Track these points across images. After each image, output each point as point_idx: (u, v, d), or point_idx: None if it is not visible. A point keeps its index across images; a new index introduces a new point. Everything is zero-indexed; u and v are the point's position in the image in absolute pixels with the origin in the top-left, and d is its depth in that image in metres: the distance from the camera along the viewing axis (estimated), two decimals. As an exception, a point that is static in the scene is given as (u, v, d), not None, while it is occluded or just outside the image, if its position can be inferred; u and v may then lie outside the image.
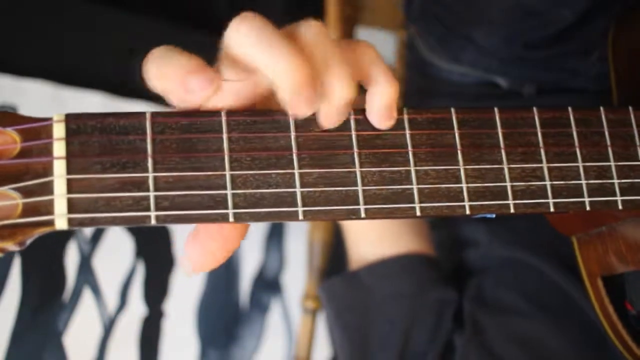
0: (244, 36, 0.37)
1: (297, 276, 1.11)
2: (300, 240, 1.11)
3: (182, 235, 1.04)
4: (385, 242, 0.71)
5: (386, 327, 0.67)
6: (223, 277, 1.08)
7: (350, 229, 0.74)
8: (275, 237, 1.14)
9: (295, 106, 0.37)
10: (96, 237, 0.96)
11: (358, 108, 0.42)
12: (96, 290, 0.94)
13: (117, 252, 0.98)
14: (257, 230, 1.13)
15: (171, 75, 0.37)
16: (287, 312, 1.13)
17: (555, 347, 0.62)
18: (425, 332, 0.66)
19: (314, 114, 0.39)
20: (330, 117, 0.39)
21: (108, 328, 0.95)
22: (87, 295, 0.93)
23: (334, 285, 0.73)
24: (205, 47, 0.44)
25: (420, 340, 0.66)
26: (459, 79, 0.80)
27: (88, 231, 0.94)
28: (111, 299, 0.96)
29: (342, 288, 0.72)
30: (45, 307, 0.88)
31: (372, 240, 0.72)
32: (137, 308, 0.99)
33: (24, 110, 0.88)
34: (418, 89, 0.87)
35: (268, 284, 1.13)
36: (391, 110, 0.40)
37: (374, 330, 0.68)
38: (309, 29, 0.39)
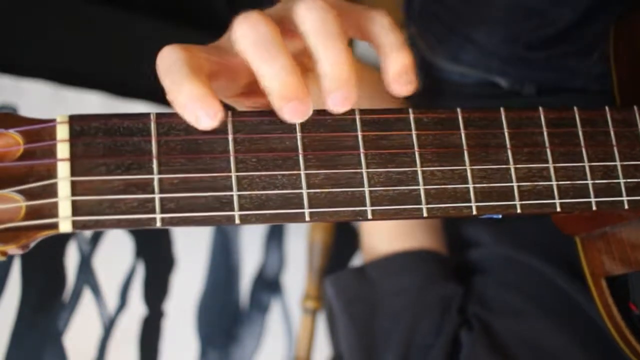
0: (242, 36, 0.38)
1: (297, 276, 1.10)
2: (300, 240, 1.10)
3: (182, 235, 1.04)
4: (399, 238, 0.71)
5: (391, 319, 0.67)
6: (223, 277, 1.08)
7: (366, 223, 0.74)
8: (275, 237, 1.14)
9: (283, 113, 0.38)
10: (96, 237, 0.95)
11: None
12: (96, 290, 0.94)
13: (117, 252, 0.98)
14: (257, 230, 1.13)
15: (180, 102, 0.37)
16: (287, 312, 1.13)
17: (560, 348, 0.62)
18: (431, 325, 0.66)
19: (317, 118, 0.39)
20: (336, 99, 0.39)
21: (108, 328, 0.94)
22: (87, 295, 0.93)
23: (341, 278, 0.73)
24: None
25: (426, 334, 0.66)
26: (459, 79, 0.80)
27: (88, 231, 0.93)
28: (111, 299, 0.96)
29: (350, 280, 0.72)
30: (45, 307, 0.88)
31: (386, 235, 0.72)
32: (137, 308, 0.98)
33: (24, 111, 0.88)
34: (418, 88, 0.87)
35: (268, 284, 1.12)
36: (406, 76, 0.40)
37: (379, 322, 0.68)
38: (305, 14, 0.39)
